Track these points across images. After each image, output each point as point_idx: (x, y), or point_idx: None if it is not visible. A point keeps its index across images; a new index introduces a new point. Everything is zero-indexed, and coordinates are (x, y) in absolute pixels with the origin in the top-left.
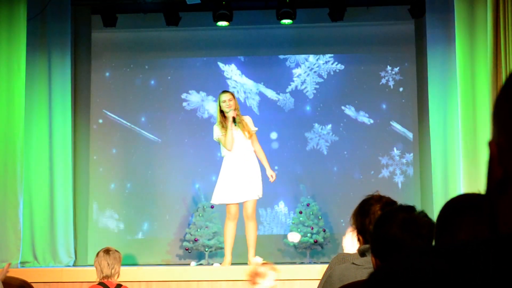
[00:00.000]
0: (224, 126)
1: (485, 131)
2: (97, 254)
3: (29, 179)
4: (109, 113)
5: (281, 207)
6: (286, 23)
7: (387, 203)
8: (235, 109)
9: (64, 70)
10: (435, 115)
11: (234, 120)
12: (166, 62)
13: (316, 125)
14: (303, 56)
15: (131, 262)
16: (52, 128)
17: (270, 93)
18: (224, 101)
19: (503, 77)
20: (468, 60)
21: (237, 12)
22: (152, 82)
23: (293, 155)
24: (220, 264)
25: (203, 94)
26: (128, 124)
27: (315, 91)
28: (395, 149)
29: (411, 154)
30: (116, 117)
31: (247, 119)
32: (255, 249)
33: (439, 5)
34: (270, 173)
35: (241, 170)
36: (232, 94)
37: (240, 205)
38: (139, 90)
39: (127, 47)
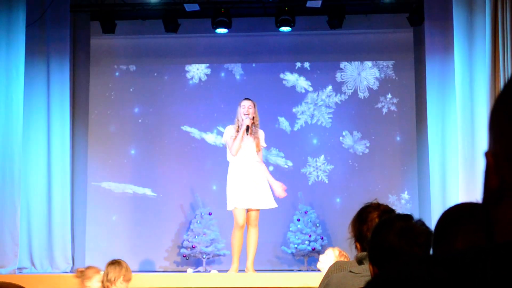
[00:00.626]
0: (238, 130)
1: (484, 138)
2: None
3: (27, 185)
4: (107, 119)
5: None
6: (285, 30)
7: (385, 211)
8: (252, 119)
9: (63, 76)
10: (433, 123)
11: (247, 129)
12: (165, 68)
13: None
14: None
15: None
16: (50, 134)
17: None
18: (244, 107)
19: (502, 85)
20: (467, 67)
21: (236, 19)
22: (151, 88)
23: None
24: (222, 271)
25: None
26: (127, 127)
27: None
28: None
29: (409, 161)
30: (115, 122)
31: (261, 133)
32: (254, 257)
33: (438, 13)
34: (279, 187)
35: (249, 178)
36: (253, 103)
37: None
38: (138, 97)
39: (126, 54)
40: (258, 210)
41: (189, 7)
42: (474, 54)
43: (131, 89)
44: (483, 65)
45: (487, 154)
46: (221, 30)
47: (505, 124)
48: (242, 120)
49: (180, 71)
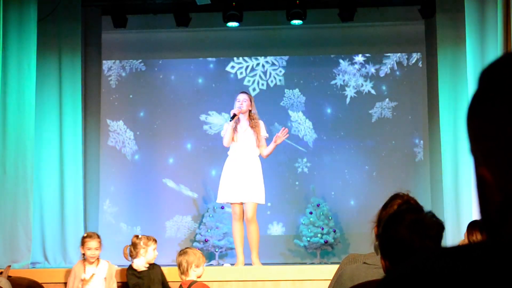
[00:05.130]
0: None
1: None
2: None
3: (39, 179)
4: (119, 113)
5: (291, 208)
6: (296, 23)
7: (407, 202)
8: (247, 111)
9: (75, 70)
10: (445, 115)
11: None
12: (176, 62)
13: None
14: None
15: None
16: (63, 128)
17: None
18: (238, 101)
19: None
20: (479, 60)
21: (247, 13)
22: (162, 82)
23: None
24: (233, 264)
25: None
26: (138, 123)
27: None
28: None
29: (421, 153)
30: (126, 117)
31: (261, 124)
32: (258, 251)
33: (450, 5)
34: (280, 135)
35: (242, 171)
36: (249, 96)
37: None
38: (149, 90)
39: (137, 48)
40: (253, 205)
41: (200, 1)
42: (486, 46)
43: (143, 83)
44: (495, 56)
45: (482, 171)
46: (232, 24)
47: (503, 137)
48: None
49: (191, 65)
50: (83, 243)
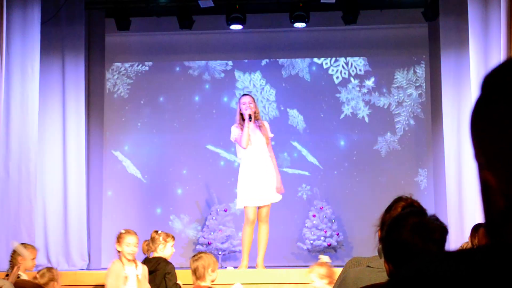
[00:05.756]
0: (242, 127)
1: None
2: None
3: (42, 182)
4: (123, 116)
5: (296, 210)
6: (300, 26)
7: (411, 204)
8: (255, 112)
9: (78, 73)
10: (449, 118)
11: (250, 117)
12: (179, 65)
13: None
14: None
15: None
16: (66, 131)
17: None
18: (244, 103)
19: None
20: (482, 62)
21: (250, 16)
22: (166, 84)
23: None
24: (237, 267)
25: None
26: (141, 125)
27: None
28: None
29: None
30: (131, 118)
31: (266, 125)
32: (265, 253)
33: (453, 8)
34: (279, 188)
35: (260, 174)
36: (253, 98)
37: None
38: (153, 92)
39: (140, 51)
40: (269, 206)
41: (203, 4)
42: (489, 48)
43: (147, 85)
44: (498, 59)
45: (486, 175)
46: (236, 27)
47: (506, 140)
48: (241, 114)
49: (195, 67)
50: (119, 239)
